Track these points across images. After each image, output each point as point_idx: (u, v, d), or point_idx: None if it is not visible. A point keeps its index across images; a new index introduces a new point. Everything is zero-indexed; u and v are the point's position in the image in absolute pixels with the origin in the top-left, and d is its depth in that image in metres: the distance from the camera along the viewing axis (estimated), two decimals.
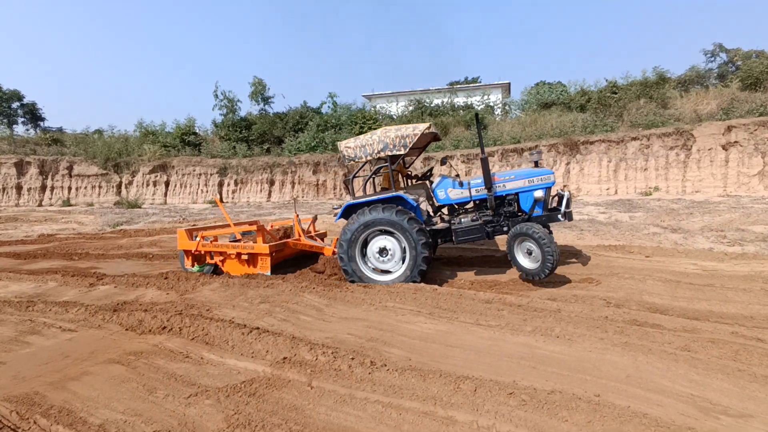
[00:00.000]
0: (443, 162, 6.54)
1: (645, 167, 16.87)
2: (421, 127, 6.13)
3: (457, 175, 6.88)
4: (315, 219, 8.37)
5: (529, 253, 5.66)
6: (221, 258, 6.86)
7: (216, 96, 26.20)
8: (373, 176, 6.92)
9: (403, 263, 5.97)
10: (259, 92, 26.52)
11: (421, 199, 6.77)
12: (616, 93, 20.29)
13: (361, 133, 24.32)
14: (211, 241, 6.93)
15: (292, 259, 7.47)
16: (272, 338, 4.08)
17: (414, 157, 8.26)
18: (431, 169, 8.11)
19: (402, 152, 6.14)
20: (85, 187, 25.24)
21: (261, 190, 23.80)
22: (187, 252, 7.02)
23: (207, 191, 24.27)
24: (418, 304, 4.98)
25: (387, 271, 6.08)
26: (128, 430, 2.79)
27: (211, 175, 24.33)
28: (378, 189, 7.12)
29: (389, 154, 6.15)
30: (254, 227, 7.13)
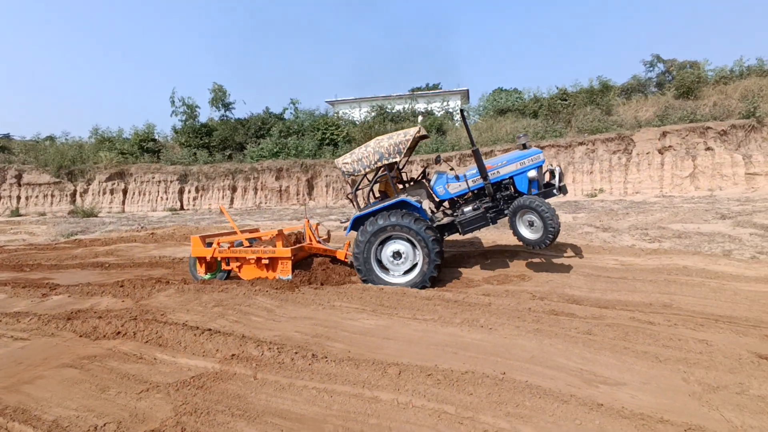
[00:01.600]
0: (437, 161, 6.92)
1: (591, 170, 17.97)
2: (411, 132, 6.41)
3: (452, 168, 7.28)
4: (318, 224, 8.48)
5: (531, 224, 5.92)
6: (238, 264, 6.90)
7: (173, 102, 25.88)
8: (374, 185, 7.13)
9: (417, 264, 6.20)
10: (220, 98, 26.38)
11: (422, 198, 7.06)
12: (566, 100, 21.45)
13: (323, 138, 24.63)
14: (228, 247, 6.94)
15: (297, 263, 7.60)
16: (223, 338, 4.36)
17: (406, 159, 8.33)
18: (425, 169, 8.40)
19: (398, 159, 6.40)
20: (36, 197, 24.32)
21: (223, 197, 23.67)
22: (200, 259, 6.99)
23: (167, 198, 23.92)
24: (363, 302, 5.37)
25: (403, 273, 6.29)
26: (80, 424, 3.03)
27: (171, 182, 24.00)
28: (373, 198, 7.29)
29: (386, 162, 6.40)
30: (257, 234, 7.37)
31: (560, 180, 6.45)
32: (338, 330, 4.57)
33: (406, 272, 6.27)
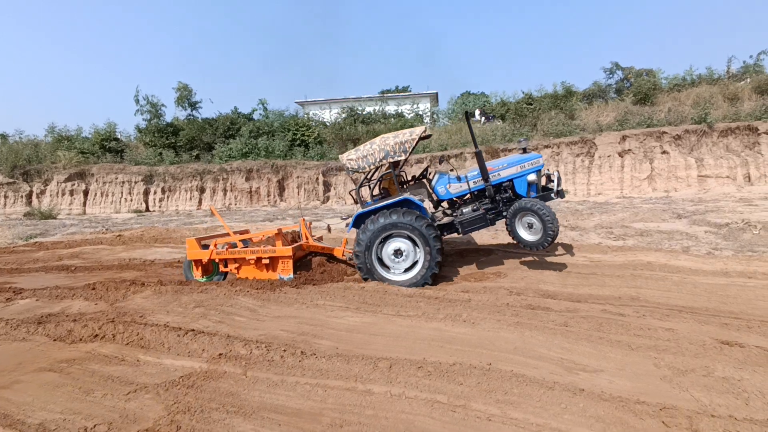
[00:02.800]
0: (441, 161, 6.96)
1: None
2: (417, 131, 6.45)
3: (452, 169, 7.30)
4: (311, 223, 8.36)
5: (530, 226, 6.02)
6: (237, 265, 6.77)
7: (137, 101, 25.04)
8: (377, 183, 7.11)
9: (417, 262, 6.23)
10: (185, 97, 25.70)
11: (424, 198, 7.12)
12: (531, 104, 22.14)
13: (294, 138, 24.44)
14: (226, 248, 6.80)
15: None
16: (208, 338, 4.34)
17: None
18: (427, 168, 8.30)
19: (403, 157, 6.43)
20: None
21: (191, 198, 23.06)
22: (196, 262, 6.83)
23: (131, 200, 23.10)
24: (347, 300, 5.43)
25: (403, 270, 6.31)
26: (69, 426, 2.97)
27: (135, 182, 23.19)
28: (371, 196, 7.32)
29: (391, 160, 6.41)
30: (249, 235, 7.24)
31: (558, 184, 6.58)
32: (324, 328, 4.62)
33: (406, 270, 6.31)
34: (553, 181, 6.77)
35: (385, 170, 6.92)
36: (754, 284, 5.34)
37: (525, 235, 6.10)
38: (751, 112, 17.93)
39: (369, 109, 27.07)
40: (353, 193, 7.05)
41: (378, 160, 6.40)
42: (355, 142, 24.12)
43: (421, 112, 27.71)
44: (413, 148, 6.50)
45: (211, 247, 6.79)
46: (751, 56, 22.50)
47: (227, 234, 7.32)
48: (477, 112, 25.39)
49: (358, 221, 6.49)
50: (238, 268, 6.80)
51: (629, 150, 17.83)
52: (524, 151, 7.03)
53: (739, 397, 2.93)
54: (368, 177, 7.31)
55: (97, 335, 4.64)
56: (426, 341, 4.07)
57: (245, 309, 5.28)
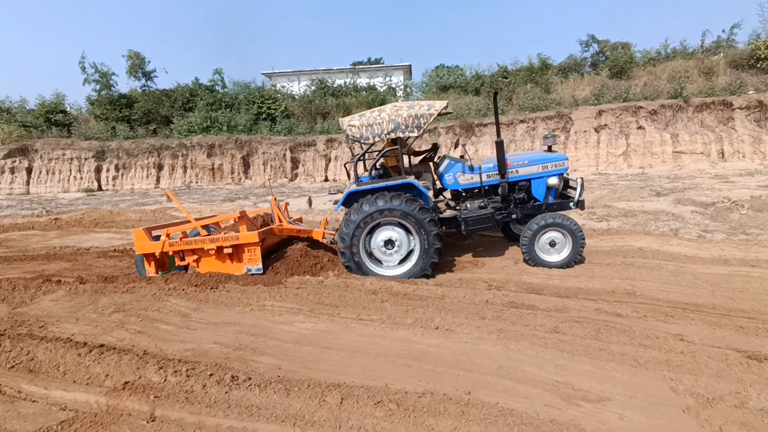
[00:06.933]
0: (457, 144, 6.06)
1: (532, 148, 18.06)
2: (437, 106, 5.46)
3: (462, 156, 6.35)
4: (288, 204, 7.22)
5: (552, 244, 5.40)
6: (195, 257, 5.76)
7: (83, 69, 22.95)
8: (377, 158, 6.06)
9: (410, 255, 5.41)
10: (138, 66, 23.71)
11: (429, 184, 6.15)
12: (506, 77, 21.37)
13: (260, 112, 22.99)
14: (180, 238, 5.77)
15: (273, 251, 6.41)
16: (116, 357, 3.43)
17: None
18: (436, 149, 7.05)
19: (415, 134, 5.42)
20: None
21: (147, 176, 21.51)
22: (148, 256, 5.77)
23: (81, 178, 21.38)
24: (300, 301, 4.60)
25: (397, 263, 5.49)
26: None
27: (85, 159, 21.42)
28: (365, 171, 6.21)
29: (401, 135, 5.43)
30: (215, 219, 6.20)
31: (580, 193, 5.73)
32: (267, 339, 3.79)
33: (401, 262, 5.48)
34: (574, 188, 5.87)
35: (391, 146, 5.95)
36: (758, 275, 4.79)
37: (547, 257, 5.48)
38: (726, 87, 17.69)
39: (339, 81, 25.73)
40: (348, 166, 6.04)
41: (385, 132, 5.40)
42: (325, 116, 22.92)
43: (393, 85, 26.54)
44: (429, 124, 5.53)
45: (163, 237, 5.75)
46: (723, 30, 22.17)
47: (187, 221, 6.20)
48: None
49: (350, 200, 5.53)
50: (197, 261, 5.79)
51: (605, 125, 17.38)
52: (549, 149, 6.16)
53: None
54: (368, 150, 6.18)
55: None
56: (390, 358, 3.30)
57: (175, 314, 4.38)
